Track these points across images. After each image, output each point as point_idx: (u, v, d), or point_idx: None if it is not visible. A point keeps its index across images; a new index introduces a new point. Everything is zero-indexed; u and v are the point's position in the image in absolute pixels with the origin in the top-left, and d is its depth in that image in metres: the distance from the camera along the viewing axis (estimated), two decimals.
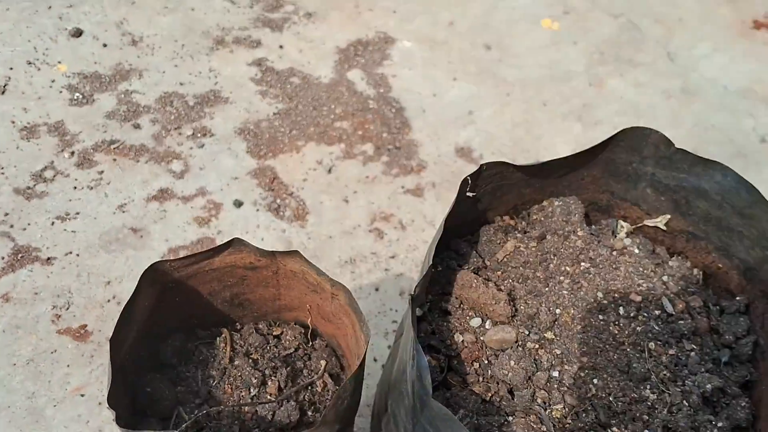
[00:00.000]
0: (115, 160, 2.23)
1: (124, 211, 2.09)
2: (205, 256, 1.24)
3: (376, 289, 1.98)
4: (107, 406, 1.05)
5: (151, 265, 1.19)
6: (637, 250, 1.33)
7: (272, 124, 2.38)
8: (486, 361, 1.20)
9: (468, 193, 1.25)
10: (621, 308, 1.22)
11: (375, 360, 1.84)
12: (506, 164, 1.26)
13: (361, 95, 2.52)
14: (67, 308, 1.86)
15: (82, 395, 1.70)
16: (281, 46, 2.66)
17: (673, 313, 1.24)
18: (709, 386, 1.14)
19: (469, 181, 1.23)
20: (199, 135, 2.32)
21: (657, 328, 1.21)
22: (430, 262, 1.11)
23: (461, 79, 2.61)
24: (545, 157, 2.19)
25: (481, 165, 1.22)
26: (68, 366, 1.75)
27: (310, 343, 1.42)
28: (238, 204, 2.12)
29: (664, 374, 1.15)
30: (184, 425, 1.04)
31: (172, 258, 1.21)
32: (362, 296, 1.96)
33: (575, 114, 2.52)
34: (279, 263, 1.28)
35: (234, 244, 1.24)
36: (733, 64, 2.82)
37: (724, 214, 1.28)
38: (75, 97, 2.41)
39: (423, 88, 2.57)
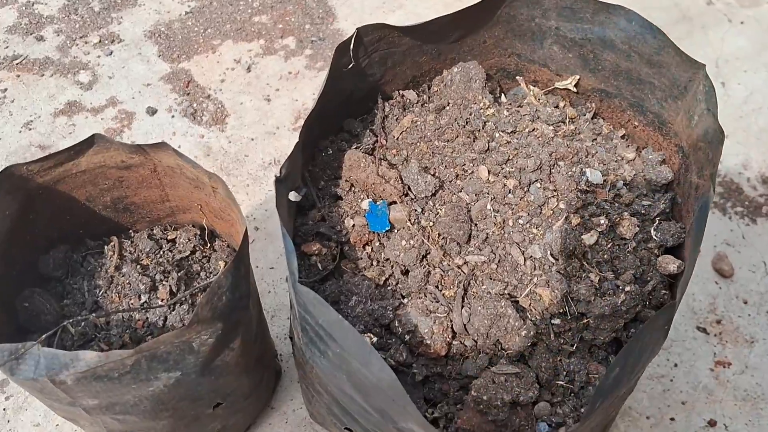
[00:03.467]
0: (18, 76, 2.08)
1: (30, 129, 1.96)
2: (66, 157, 1.13)
3: None
4: None
5: (4, 170, 1.09)
6: (544, 116, 1.22)
7: (185, 24, 2.21)
8: (378, 244, 1.12)
9: (349, 65, 1.14)
10: (525, 183, 1.13)
11: None
12: (388, 27, 1.13)
13: None
14: None
15: None
16: None
17: (600, 183, 1.14)
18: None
19: (348, 49, 1.11)
20: (106, 42, 2.16)
21: (577, 198, 1.11)
22: (297, 141, 1.00)
23: None
24: None
25: (357, 29, 1.10)
26: None
27: (209, 245, 1.33)
28: (152, 111, 1.99)
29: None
30: (47, 334, 0.97)
31: (28, 161, 1.09)
32: None
33: None
34: (153, 159, 1.18)
35: (96, 140, 1.13)
36: None
37: (633, 65, 1.17)
38: None
39: None
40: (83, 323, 1.18)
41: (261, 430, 1.50)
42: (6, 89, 2.04)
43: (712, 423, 1.55)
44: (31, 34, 2.18)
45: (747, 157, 1.98)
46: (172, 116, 1.99)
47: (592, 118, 1.27)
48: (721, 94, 2.13)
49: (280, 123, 2.01)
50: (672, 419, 1.54)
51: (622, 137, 1.26)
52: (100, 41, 2.16)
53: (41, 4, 2.26)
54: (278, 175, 0.97)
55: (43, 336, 0.96)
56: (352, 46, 1.09)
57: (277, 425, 1.51)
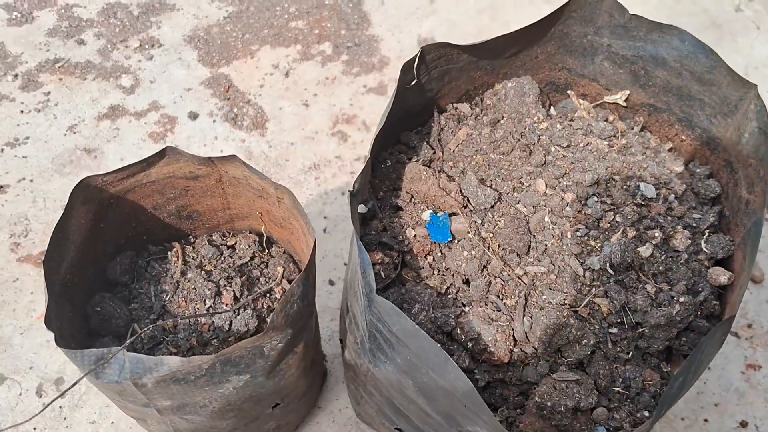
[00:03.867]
0: (61, 79, 2.13)
1: (75, 132, 2.01)
2: (138, 168, 1.18)
3: (343, 193, 1.93)
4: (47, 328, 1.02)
5: (81, 182, 1.13)
6: (597, 130, 1.26)
7: (223, 29, 2.25)
8: (440, 254, 1.16)
9: (412, 82, 1.18)
10: (582, 197, 1.17)
11: (345, 264, 1.81)
12: (449, 45, 1.17)
13: None
14: (26, 235, 1.81)
15: None
16: None
17: (653, 196, 1.19)
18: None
19: (412, 68, 1.16)
20: (147, 46, 2.20)
21: (632, 212, 1.15)
22: (368, 156, 1.05)
23: None
24: None
25: (422, 48, 1.14)
26: (32, 293, 1.72)
27: (266, 251, 1.38)
28: (194, 116, 2.04)
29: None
30: (129, 339, 1.01)
31: (103, 173, 1.14)
32: (328, 201, 1.91)
33: None
34: (219, 170, 1.22)
35: (168, 153, 1.18)
36: None
37: (684, 82, 1.21)
38: (13, 17, 2.28)
39: None
40: (151, 327, 1.23)
41: (309, 428, 1.55)
42: (49, 92, 2.09)
43: (743, 424, 1.59)
44: (71, 37, 2.22)
45: None
46: (214, 121, 2.04)
47: (639, 132, 1.31)
48: None
49: (318, 128, 2.05)
50: (705, 420, 1.59)
51: (669, 150, 1.30)
52: (140, 45, 2.20)
53: (80, 7, 2.30)
54: (352, 190, 1.02)
55: (128, 341, 1.01)
56: (416, 65, 1.14)
57: (324, 424, 1.56)
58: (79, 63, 2.16)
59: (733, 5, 2.41)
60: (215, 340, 1.24)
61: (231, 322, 1.24)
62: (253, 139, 2.01)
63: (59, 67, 2.15)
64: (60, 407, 1.56)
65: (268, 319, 1.27)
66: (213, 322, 1.24)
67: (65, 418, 1.54)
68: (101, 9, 2.30)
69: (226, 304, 1.26)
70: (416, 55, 1.13)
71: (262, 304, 1.29)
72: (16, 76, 2.12)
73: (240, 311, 1.25)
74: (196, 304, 1.26)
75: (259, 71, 2.16)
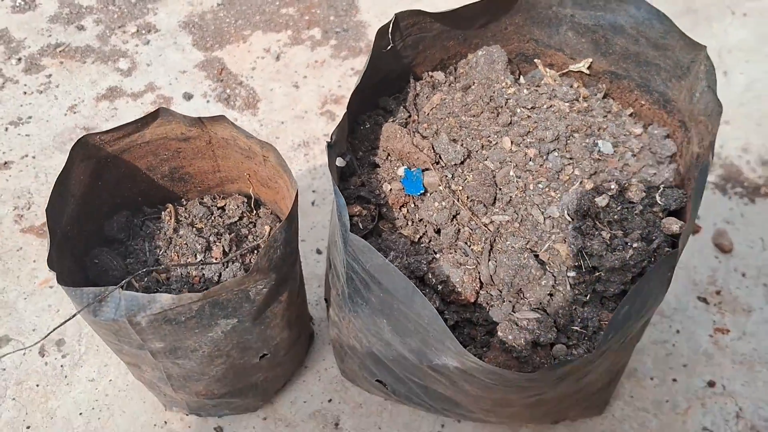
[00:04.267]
0: (62, 63, 2.22)
1: (75, 112, 2.10)
2: (134, 128, 1.27)
3: None
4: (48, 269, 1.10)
5: (80, 139, 1.22)
6: (560, 94, 1.36)
7: (217, 16, 2.35)
8: (413, 206, 1.25)
9: (387, 47, 1.27)
10: (544, 152, 1.26)
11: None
12: (422, 12, 1.27)
13: None
14: (29, 208, 1.90)
15: (51, 287, 1.77)
16: None
17: (611, 153, 1.28)
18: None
19: (386, 33, 1.25)
20: (143, 32, 2.30)
21: (590, 165, 1.24)
22: (346, 111, 1.14)
23: None
24: None
25: (395, 14, 1.23)
26: (34, 261, 1.81)
27: (254, 211, 1.47)
28: (188, 97, 2.13)
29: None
30: (125, 280, 1.10)
31: (100, 131, 1.23)
32: (317, 176, 2.01)
33: None
34: (209, 131, 1.31)
35: (161, 113, 1.27)
36: None
37: (641, 49, 1.30)
38: (17, 4, 2.38)
39: None
40: (146, 279, 1.31)
41: (296, 386, 1.64)
42: (51, 75, 2.18)
43: (711, 383, 1.68)
44: (72, 23, 2.32)
45: (747, 142, 2.11)
46: (207, 101, 2.13)
47: (603, 98, 1.40)
48: (723, 83, 2.26)
49: (308, 108, 2.14)
50: (674, 380, 1.67)
51: (630, 115, 1.39)
52: (137, 31, 2.30)
53: None
54: (329, 141, 1.11)
55: (123, 282, 1.10)
56: (390, 30, 1.23)
57: (310, 382, 1.65)
58: (79, 47, 2.25)
59: None
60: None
61: (220, 274, 1.33)
62: (245, 118, 2.10)
63: (60, 51, 2.24)
64: (61, 366, 1.64)
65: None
66: (203, 273, 1.33)
67: (66, 376, 1.63)
68: None
69: (216, 258, 1.35)
70: (390, 20, 1.22)
71: (250, 260, 1.38)
72: (19, 59, 2.21)
73: (228, 264, 1.34)
74: (188, 258, 1.35)
75: (251, 55, 2.25)
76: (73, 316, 1.07)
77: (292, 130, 2.09)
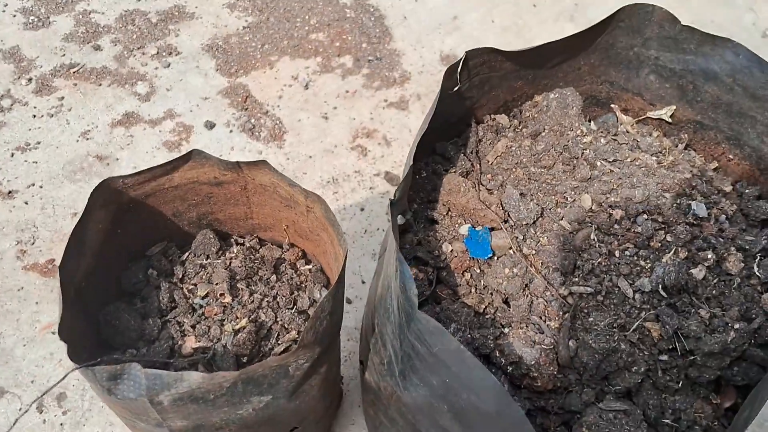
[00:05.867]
0: (75, 84, 2.07)
1: (88, 139, 1.95)
2: (162, 171, 1.12)
3: (362, 209, 1.86)
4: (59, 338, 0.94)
5: (101, 183, 1.07)
6: (643, 146, 1.20)
7: (242, 39, 2.21)
8: (478, 271, 1.09)
9: (454, 88, 1.12)
10: (632, 214, 1.10)
11: (363, 282, 1.74)
12: (494, 50, 1.12)
13: (337, 3, 2.33)
14: (33, 243, 1.74)
15: (53, 333, 1.60)
16: None
17: (705, 216, 1.12)
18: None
19: (455, 72, 1.10)
20: (164, 54, 2.15)
21: (685, 231, 1.08)
22: (411, 163, 0.98)
23: None
24: None
25: (466, 52, 1.08)
26: (37, 303, 1.64)
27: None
28: (210, 126, 1.98)
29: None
30: (140, 360, 0.94)
31: (124, 175, 1.08)
32: (347, 217, 1.85)
33: (567, 14, 2.35)
34: (246, 176, 1.16)
35: (194, 156, 1.11)
36: None
37: (736, 98, 1.15)
38: (30, 21, 2.23)
39: None
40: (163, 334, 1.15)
41: None
42: (63, 97, 2.03)
43: None
44: (88, 42, 2.18)
45: None
46: (230, 131, 1.98)
47: (684, 149, 1.25)
48: None
49: (337, 141, 1.99)
50: None
51: (715, 170, 1.24)
52: (157, 53, 2.15)
53: (98, 13, 2.26)
54: (392, 198, 0.95)
55: (142, 359, 0.94)
56: (459, 69, 1.08)
57: None
58: (94, 69, 2.11)
59: (759, 31, 2.37)
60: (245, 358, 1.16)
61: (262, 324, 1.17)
62: (271, 150, 1.95)
63: (74, 72, 2.10)
64: (61, 425, 1.48)
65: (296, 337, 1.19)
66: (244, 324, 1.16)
67: None
68: (119, 15, 2.25)
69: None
70: (461, 59, 1.07)
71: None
72: (30, 80, 2.06)
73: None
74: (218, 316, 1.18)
75: (278, 82, 2.11)
76: (59, 381, 0.91)
77: (320, 165, 1.94)
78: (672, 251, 1.05)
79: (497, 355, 1.02)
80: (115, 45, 2.17)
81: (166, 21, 2.24)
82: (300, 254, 1.28)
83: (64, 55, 2.14)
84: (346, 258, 1.03)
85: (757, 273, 1.09)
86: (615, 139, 1.20)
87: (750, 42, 2.32)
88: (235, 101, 2.05)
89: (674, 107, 1.23)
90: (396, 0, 2.37)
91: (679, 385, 1.03)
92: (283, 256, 1.27)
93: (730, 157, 1.22)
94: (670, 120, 1.25)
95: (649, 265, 1.05)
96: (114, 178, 1.08)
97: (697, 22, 2.34)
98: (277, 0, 2.32)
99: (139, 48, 2.16)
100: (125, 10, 2.26)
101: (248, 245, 1.27)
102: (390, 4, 2.35)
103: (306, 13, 2.29)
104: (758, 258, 1.11)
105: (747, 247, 1.11)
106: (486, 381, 0.83)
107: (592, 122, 1.31)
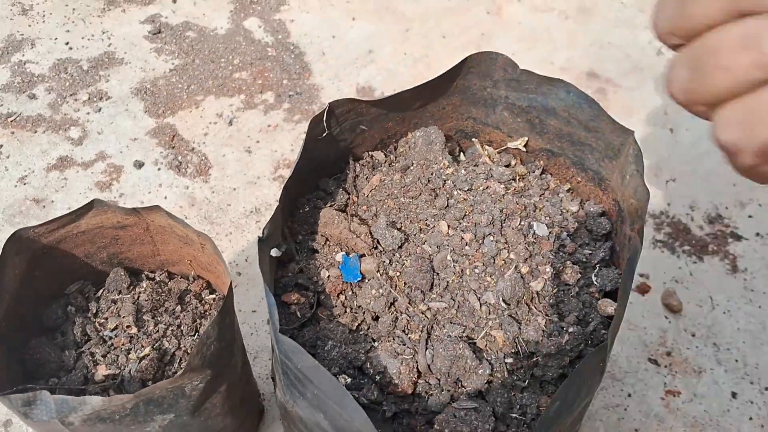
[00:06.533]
0: (13, 133, 2.21)
1: (25, 183, 2.08)
2: (69, 220, 1.26)
3: None
4: None
5: (13, 234, 1.21)
6: (496, 175, 1.37)
7: (169, 81, 2.35)
8: (351, 293, 1.25)
9: (323, 134, 1.28)
10: (480, 237, 1.27)
11: None
12: (356, 101, 1.28)
13: (259, 43, 2.50)
14: None
15: None
16: (174, 0, 2.61)
17: (545, 235, 1.29)
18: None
19: (321, 121, 1.26)
20: (95, 99, 2.29)
21: (524, 249, 1.25)
22: (279, 203, 1.14)
23: (360, 18, 2.60)
24: None
25: (329, 103, 1.24)
26: None
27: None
28: (139, 165, 2.12)
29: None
30: (47, 387, 1.08)
31: (34, 225, 1.22)
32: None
33: (474, 44, 2.54)
34: (146, 219, 1.31)
35: (96, 204, 1.26)
36: None
37: (573, 129, 1.33)
38: None
39: (322, 31, 2.55)
40: (78, 365, 1.29)
41: None
42: (2, 145, 2.16)
43: None
44: (23, 92, 2.31)
45: (694, 199, 2.15)
46: (158, 169, 2.12)
47: (540, 174, 1.42)
48: (669, 139, 2.31)
49: (260, 173, 2.14)
50: None
51: (568, 191, 1.41)
52: (89, 98, 2.29)
53: (33, 63, 2.39)
54: (261, 236, 1.10)
55: (48, 386, 1.08)
56: (325, 118, 1.24)
57: None
58: (30, 116, 2.24)
59: (654, 49, 2.57)
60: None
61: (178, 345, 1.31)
62: (197, 185, 2.10)
63: (11, 121, 2.23)
64: None
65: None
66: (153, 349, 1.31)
67: None
68: (53, 64, 2.39)
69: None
70: (324, 109, 1.23)
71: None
72: None
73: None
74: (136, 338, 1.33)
75: (204, 120, 2.26)
76: None
77: (244, 196, 2.09)
78: (513, 267, 1.22)
79: (368, 366, 1.17)
80: (49, 93, 2.31)
81: (96, 67, 2.38)
82: (204, 285, 1.43)
83: (1, 105, 2.27)
84: (230, 289, 1.18)
85: (595, 282, 1.26)
86: (474, 170, 1.37)
87: (644, 60, 2.53)
88: (162, 140, 2.19)
89: (527, 138, 1.40)
90: (315, 37, 2.54)
91: (526, 383, 1.19)
92: (189, 287, 1.42)
93: (579, 179, 1.39)
94: (525, 149, 1.42)
95: (495, 280, 1.21)
96: (25, 228, 1.22)
97: (595, 43, 2.53)
98: (202, 42, 2.48)
99: (71, 95, 2.30)
100: (58, 59, 2.40)
101: (158, 279, 1.42)
102: (309, 41, 2.52)
103: (230, 53, 2.45)
104: (598, 268, 1.28)
105: (585, 259, 1.28)
106: (338, 391, 0.99)
107: (462, 154, 1.48)
